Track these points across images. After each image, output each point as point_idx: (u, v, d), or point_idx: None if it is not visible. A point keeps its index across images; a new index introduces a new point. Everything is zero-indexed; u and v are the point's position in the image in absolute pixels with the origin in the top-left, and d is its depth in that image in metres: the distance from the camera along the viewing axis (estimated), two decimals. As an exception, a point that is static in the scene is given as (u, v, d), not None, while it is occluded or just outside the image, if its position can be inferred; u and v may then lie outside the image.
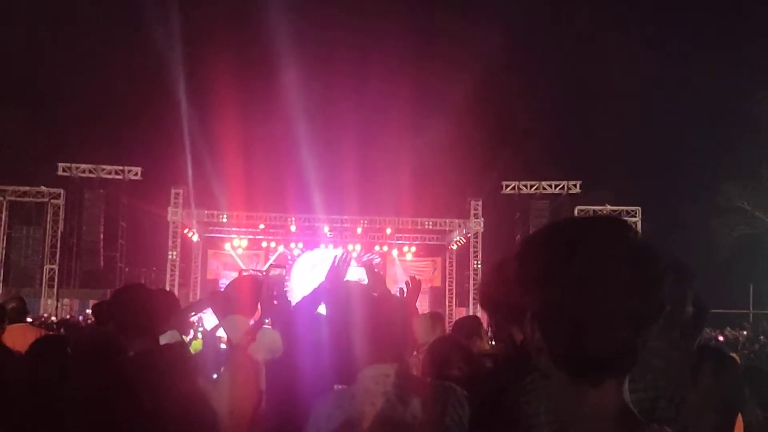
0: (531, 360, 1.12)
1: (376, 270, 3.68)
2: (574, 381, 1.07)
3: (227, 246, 21.61)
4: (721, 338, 17.38)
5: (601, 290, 1.02)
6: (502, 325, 2.10)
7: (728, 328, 19.20)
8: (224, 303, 2.78)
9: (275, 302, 3.04)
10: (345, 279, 2.98)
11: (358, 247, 21.86)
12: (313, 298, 2.91)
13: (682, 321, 1.68)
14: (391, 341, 2.12)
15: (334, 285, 2.88)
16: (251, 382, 2.48)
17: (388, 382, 2.04)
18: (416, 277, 3.87)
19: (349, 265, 3.04)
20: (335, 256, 3.07)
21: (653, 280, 1.04)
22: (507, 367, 2.03)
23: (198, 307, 4.08)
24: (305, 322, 2.77)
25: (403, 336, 2.23)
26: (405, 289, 3.68)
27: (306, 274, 20.66)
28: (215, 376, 2.69)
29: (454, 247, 21.96)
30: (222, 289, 3.38)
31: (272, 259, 21.04)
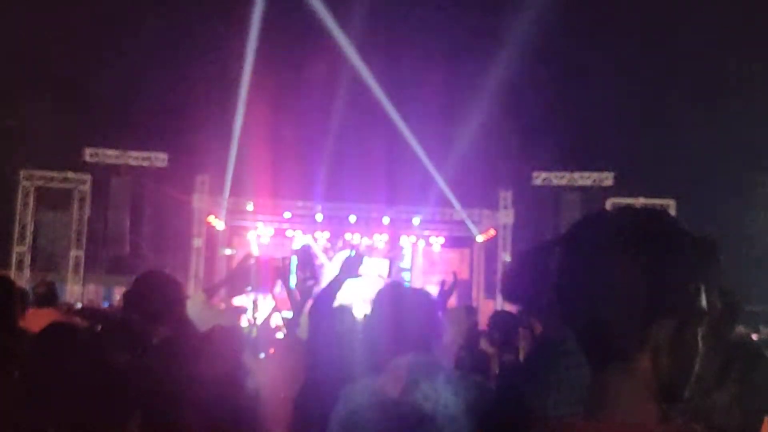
0: (553, 351, 1.22)
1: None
2: (597, 368, 1.08)
3: (252, 234, 21.52)
4: (754, 336, 16.90)
5: (608, 276, 1.04)
6: (523, 316, 2.14)
7: (761, 326, 18.68)
8: (243, 279, 2.95)
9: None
10: (357, 271, 3.00)
11: (384, 237, 21.65)
12: (330, 289, 2.95)
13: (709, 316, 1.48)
14: (419, 333, 2.21)
15: (346, 278, 2.93)
16: (296, 363, 2.56)
17: (418, 372, 2.11)
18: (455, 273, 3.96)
19: (361, 259, 3.06)
20: (349, 253, 3.13)
21: (661, 268, 1.04)
22: (532, 360, 2.07)
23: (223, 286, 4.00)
24: (328, 313, 2.84)
25: (432, 328, 2.28)
26: (447, 282, 3.71)
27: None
28: (262, 355, 2.86)
29: (483, 238, 21.62)
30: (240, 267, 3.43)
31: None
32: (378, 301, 2.38)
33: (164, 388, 1.81)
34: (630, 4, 20.10)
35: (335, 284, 2.90)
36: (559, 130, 20.42)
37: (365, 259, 3.09)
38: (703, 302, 1.07)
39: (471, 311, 4.32)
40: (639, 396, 1.05)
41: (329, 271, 21.25)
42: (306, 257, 3.10)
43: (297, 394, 2.43)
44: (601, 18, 20.02)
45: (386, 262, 20.87)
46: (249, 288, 3.49)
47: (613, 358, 1.06)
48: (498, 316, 4.64)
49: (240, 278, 3.32)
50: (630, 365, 1.05)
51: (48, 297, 5.53)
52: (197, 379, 1.98)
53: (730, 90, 20.26)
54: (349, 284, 2.94)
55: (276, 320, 3.16)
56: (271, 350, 2.70)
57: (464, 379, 2.24)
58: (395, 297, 2.36)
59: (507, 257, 20.28)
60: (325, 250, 21.68)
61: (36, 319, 4.68)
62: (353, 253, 3.00)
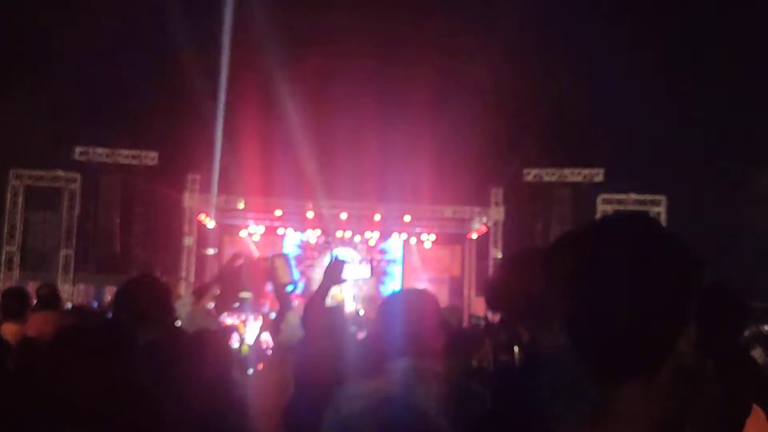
0: (544, 357, 1.15)
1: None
2: (600, 382, 1.04)
3: (243, 233, 21.52)
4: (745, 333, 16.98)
5: (611, 285, 1.01)
6: (510, 323, 2.06)
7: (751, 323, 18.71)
8: (233, 282, 2.94)
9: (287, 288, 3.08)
10: (340, 277, 2.99)
11: (376, 234, 21.68)
12: (318, 297, 2.95)
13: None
14: (417, 336, 2.18)
15: (331, 285, 2.92)
16: (284, 379, 2.54)
17: (414, 377, 2.09)
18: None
19: (342, 267, 3.03)
20: (331, 258, 3.13)
21: (661, 274, 1.02)
22: (526, 366, 2.02)
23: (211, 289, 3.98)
24: (320, 321, 2.83)
25: (433, 332, 2.26)
26: None
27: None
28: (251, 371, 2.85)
29: (474, 235, 21.65)
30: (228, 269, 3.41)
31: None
32: (379, 307, 2.38)
33: (149, 393, 1.79)
34: (615, 3, 20.16)
35: (321, 292, 2.90)
36: (549, 126, 20.44)
37: (347, 264, 3.08)
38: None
39: (455, 311, 4.30)
40: (650, 411, 1.03)
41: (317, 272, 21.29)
42: (285, 263, 3.11)
43: (287, 405, 2.42)
44: (590, 15, 20.06)
45: (367, 266, 20.88)
46: (237, 304, 3.46)
47: (634, 374, 1.03)
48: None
49: (229, 280, 3.30)
50: (650, 381, 1.03)
51: (51, 299, 5.54)
52: (183, 383, 1.97)
53: (721, 84, 20.31)
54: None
55: (266, 338, 3.16)
56: (260, 366, 2.70)
57: (460, 386, 2.23)
58: (394, 302, 2.36)
59: (498, 254, 20.31)
60: (315, 248, 21.81)
61: (39, 322, 4.66)
62: (335, 259, 3.01)
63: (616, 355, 1.03)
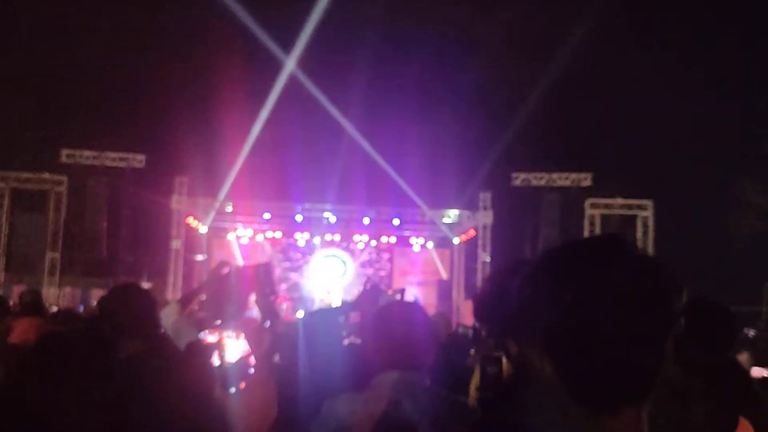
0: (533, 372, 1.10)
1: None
2: (591, 413, 1.02)
3: (231, 236, 21.44)
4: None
5: (601, 311, 0.99)
6: (497, 335, 2.02)
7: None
8: (218, 292, 2.89)
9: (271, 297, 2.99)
10: (375, 305, 2.87)
11: (365, 237, 21.68)
12: (342, 312, 2.87)
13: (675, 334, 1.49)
14: (408, 350, 2.14)
15: (366, 309, 2.82)
16: (268, 398, 2.44)
17: (402, 390, 2.05)
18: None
19: (379, 294, 2.96)
20: (366, 280, 3.02)
21: (653, 295, 1.01)
22: (513, 381, 1.93)
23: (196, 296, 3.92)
24: (327, 329, 2.77)
25: (422, 345, 2.22)
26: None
27: (320, 268, 21.01)
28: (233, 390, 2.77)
29: (463, 239, 21.67)
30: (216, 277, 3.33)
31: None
32: (366, 319, 2.33)
33: (127, 408, 1.76)
34: (603, 7, 20.25)
35: (339, 312, 2.80)
36: (538, 131, 20.50)
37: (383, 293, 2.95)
38: None
39: (443, 319, 4.27)
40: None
41: (311, 269, 21.29)
42: (268, 272, 3.02)
43: (272, 426, 2.37)
44: (578, 18, 20.14)
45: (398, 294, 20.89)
46: (219, 321, 3.41)
47: (627, 403, 1.01)
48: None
49: (215, 288, 3.25)
50: (641, 408, 1.02)
51: (34, 306, 5.54)
52: (163, 399, 1.93)
53: (708, 91, 20.44)
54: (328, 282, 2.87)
55: (250, 357, 3.10)
56: (242, 385, 2.65)
57: (448, 399, 2.20)
58: (382, 314, 2.31)
59: (486, 258, 20.33)
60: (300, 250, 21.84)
61: (23, 328, 4.64)
62: (372, 285, 2.88)
63: (610, 389, 1.01)
